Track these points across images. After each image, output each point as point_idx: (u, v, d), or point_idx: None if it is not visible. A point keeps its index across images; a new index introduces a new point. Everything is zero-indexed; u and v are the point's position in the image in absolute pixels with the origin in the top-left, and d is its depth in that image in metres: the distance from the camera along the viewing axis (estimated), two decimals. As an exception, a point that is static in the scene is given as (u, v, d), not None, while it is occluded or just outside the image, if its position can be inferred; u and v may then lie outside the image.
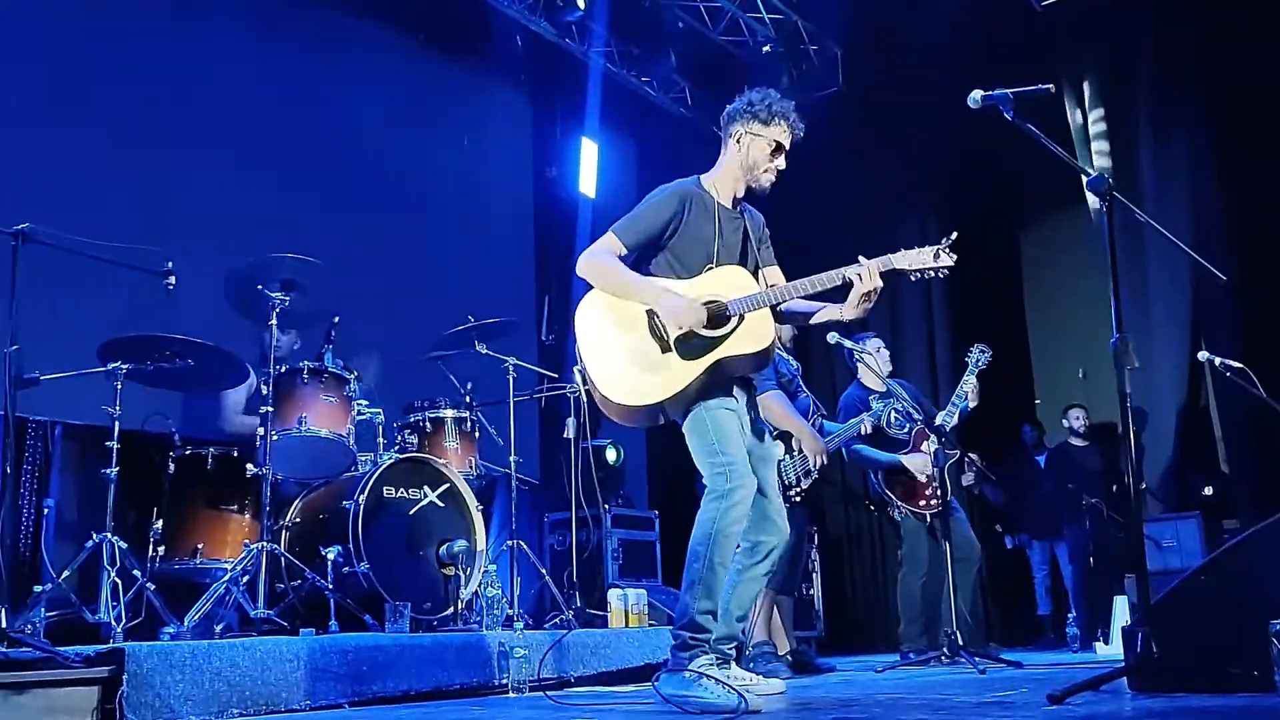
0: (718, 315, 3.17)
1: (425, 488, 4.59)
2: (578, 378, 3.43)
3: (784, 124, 3.37)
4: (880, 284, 3.16)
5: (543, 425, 7.49)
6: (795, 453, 4.99)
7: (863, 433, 5.34)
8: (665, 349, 3.16)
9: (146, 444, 4.45)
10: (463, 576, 4.47)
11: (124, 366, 3.97)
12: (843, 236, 8.22)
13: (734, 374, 3.24)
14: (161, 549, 4.21)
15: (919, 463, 5.40)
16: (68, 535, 4.54)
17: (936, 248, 3.16)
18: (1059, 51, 7.81)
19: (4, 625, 3.06)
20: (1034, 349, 8.55)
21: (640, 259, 3.32)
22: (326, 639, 3.52)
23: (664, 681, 3.05)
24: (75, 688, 2.83)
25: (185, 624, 3.74)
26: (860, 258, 3.16)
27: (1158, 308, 7.22)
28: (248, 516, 4.40)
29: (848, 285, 3.18)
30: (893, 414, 5.47)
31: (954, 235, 3.16)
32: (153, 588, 3.87)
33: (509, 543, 5.08)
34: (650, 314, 3.19)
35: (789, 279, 3.31)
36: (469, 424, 5.12)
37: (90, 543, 3.83)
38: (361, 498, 4.30)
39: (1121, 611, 5.68)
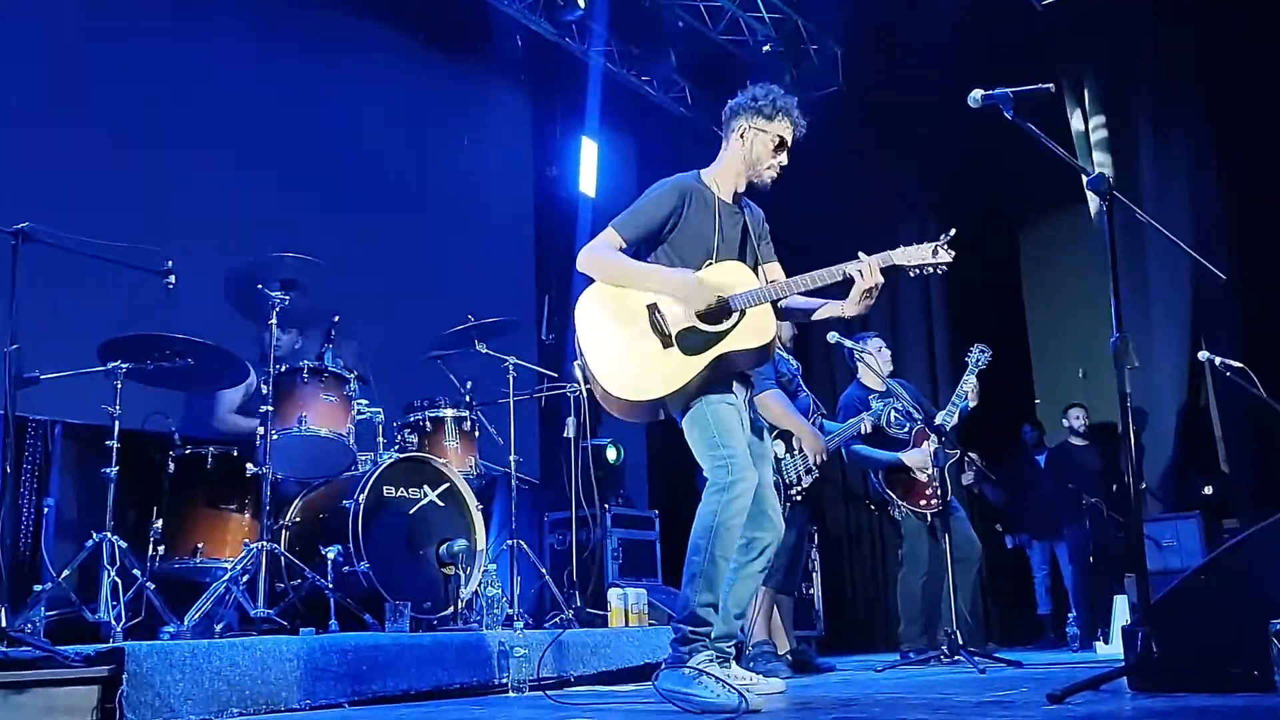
0: (719, 310, 3.16)
1: (425, 487, 4.59)
2: (577, 372, 3.42)
3: (787, 120, 3.36)
4: (881, 280, 3.16)
5: (543, 425, 7.49)
6: (795, 451, 5.00)
7: (863, 432, 5.34)
8: (666, 344, 3.15)
9: (146, 443, 4.46)
10: (463, 576, 4.47)
11: (124, 366, 3.96)
12: (843, 235, 8.21)
13: (735, 369, 3.24)
14: (161, 548, 4.21)
15: (918, 459, 5.40)
16: (68, 534, 4.54)
17: (935, 244, 3.17)
18: (1059, 51, 7.82)
19: (4, 624, 3.06)
20: (1034, 349, 8.56)
21: (639, 254, 3.31)
22: (326, 638, 3.52)
23: (664, 677, 3.04)
24: (75, 687, 2.83)
25: (185, 623, 3.74)
26: (860, 254, 3.16)
27: (1158, 307, 7.22)
28: (248, 516, 4.40)
29: (848, 282, 3.18)
30: (893, 413, 5.47)
31: (952, 232, 3.16)
32: (153, 587, 3.87)
33: (509, 542, 5.09)
34: (651, 308, 3.18)
35: (789, 277, 3.30)
36: (469, 423, 5.12)
37: (90, 542, 3.83)
38: (361, 497, 4.30)
39: (1121, 611, 5.68)
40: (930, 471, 5.37)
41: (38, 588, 3.73)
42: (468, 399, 5.19)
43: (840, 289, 3.23)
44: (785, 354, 5.14)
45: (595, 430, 6.98)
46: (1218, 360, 4.81)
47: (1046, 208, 8.38)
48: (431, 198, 7.38)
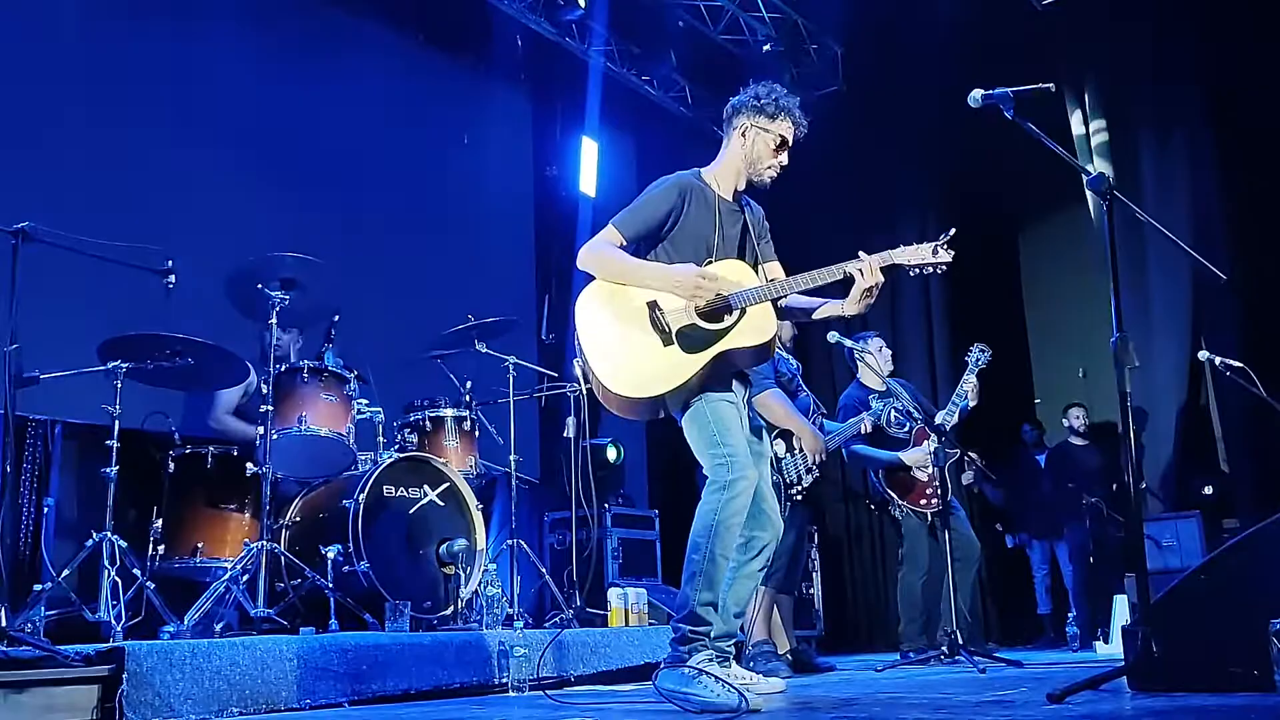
0: (719, 308, 3.16)
1: (425, 487, 4.59)
2: (577, 370, 3.42)
3: (790, 120, 3.36)
4: (881, 279, 3.16)
5: (542, 424, 7.49)
6: (795, 451, 5.00)
7: (863, 432, 5.34)
8: (667, 341, 3.14)
9: (146, 443, 4.46)
10: (463, 575, 4.47)
11: (124, 365, 3.96)
12: (843, 235, 8.24)
13: (735, 367, 3.23)
14: (161, 548, 4.21)
15: (918, 457, 5.40)
16: (68, 534, 4.54)
17: (935, 244, 3.17)
18: (1059, 51, 7.81)
19: (4, 624, 3.06)
20: (1034, 349, 8.56)
21: (639, 252, 3.31)
22: (326, 638, 3.53)
23: (663, 677, 3.04)
24: (75, 686, 2.83)
25: (185, 623, 3.74)
26: (860, 253, 3.16)
27: (1158, 307, 7.22)
28: (247, 515, 4.40)
29: (848, 281, 3.18)
30: (893, 413, 5.48)
31: (952, 231, 3.16)
32: (152, 586, 3.86)
33: (509, 542, 5.09)
34: (651, 306, 3.18)
35: (788, 275, 3.30)
36: (469, 423, 5.12)
37: (90, 541, 3.83)
38: (361, 497, 4.30)
39: (1121, 611, 5.68)
40: (930, 471, 5.38)
41: (38, 587, 3.72)
42: (468, 398, 5.19)
43: (840, 288, 3.23)
44: (785, 353, 5.14)
45: (595, 430, 6.99)
46: (1218, 360, 4.82)
47: (1046, 208, 8.38)
48: (431, 197, 7.38)
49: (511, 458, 5.19)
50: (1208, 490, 6.95)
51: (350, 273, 5.46)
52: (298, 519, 4.57)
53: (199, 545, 4.29)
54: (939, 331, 8.41)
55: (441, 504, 4.61)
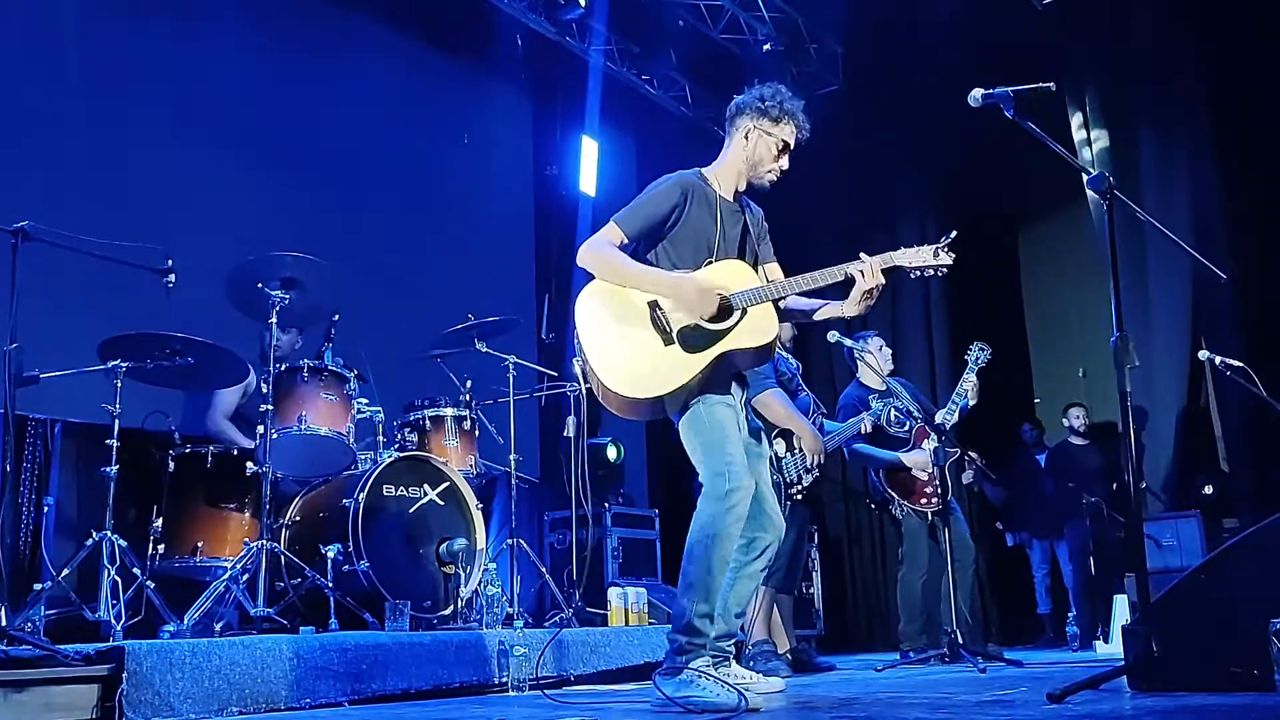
0: (719, 309, 3.15)
1: (425, 486, 4.59)
2: (577, 370, 3.40)
3: (793, 124, 3.34)
4: (882, 281, 3.15)
5: (542, 424, 7.50)
6: (796, 451, 5.00)
7: (863, 432, 5.34)
8: (668, 341, 3.12)
9: (146, 442, 4.46)
10: (463, 575, 4.47)
11: (124, 364, 3.95)
12: (842, 235, 8.25)
13: (736, 368, 3.22)
14: (161, 547, 4.21)
15: (919, 459, 5.40)
16: (68, 533, 4.54)
17: (936, 246, 3.16)
18: (1059, 51, 7.81)
19: (4, 623, 3.07)
20: (1034, 349, 8.56)
21: (639, 250, 3.28)
22: (326, 637, 3.53)
23: (662, 683, 3.03)
24: (75, 686, 2.83)
25: (185, 622, 3.74)
26: (862, 254, 3.16)
27: (1158, 307, 7.22)
28: (247, 515, 4.40)
29: (849, 282, 3.17)
30: (893, 412, 5.48)
31: (953, 234, 3.16)
32: (152, 586, 3.86)
33: (509, 541, 5.09)
34: (652, 305, 3.16)
35: (787, 276, 3.30)
36: (469, 422, 5.13)
37: (90, 541, 3.82)
38: (361, 496, 4.30)
39: (1121, 610, 5.69)
40: (930, 471, 5.38)
41: (38, 586, 3.72)
42: (468, 398, 5.19)
43: (840, 289, 3.23)
44: (785, 353, 5.14)
45: (596, 429, 6.99)
46: (1218, 360, 4.82)
47: (1046, 208, 8.38)
48: (432, 196, 7.38)
49: (511, 457, 5.19)
50: (1208, 490, 6.95)
51: (350, 273, 5.46)
52: (298, 518, 4.57)
53: (199, 544, 4.29)
54: (939, 331, 8.41)
55: (441, 503, 4.61)
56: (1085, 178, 3.06)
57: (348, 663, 3.39)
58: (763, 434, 3.44)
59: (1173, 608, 2.78)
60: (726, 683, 2.94)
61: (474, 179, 7.77)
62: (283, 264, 4.27)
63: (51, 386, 3.80)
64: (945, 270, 3.16)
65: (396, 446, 4.87)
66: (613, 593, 4.97)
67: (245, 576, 3.95)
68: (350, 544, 4.21)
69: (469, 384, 5.22)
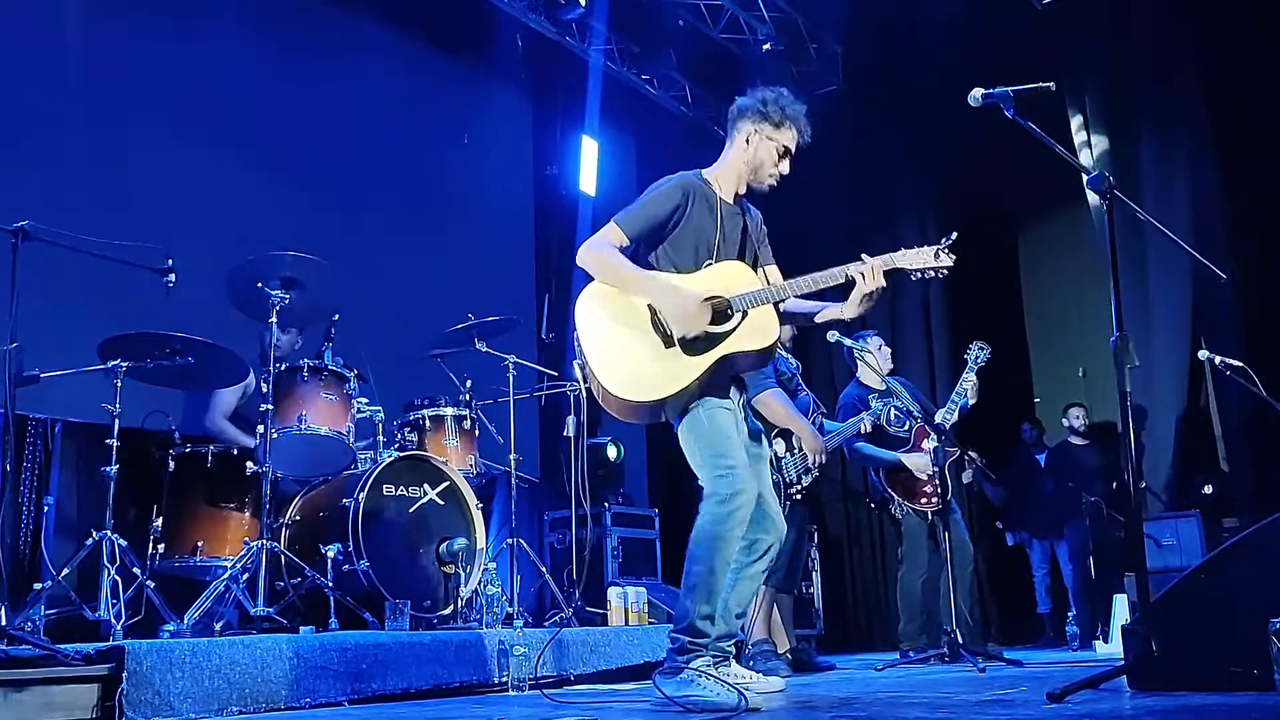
0: (719, 312, 3.14)
1: (425, 485, 4.59)
2: (577, 371, 3.39)
3: (794, 129, 3.33)
4: (883, 283, 3.14)
5: (542, 423, 7.50)
6: (795, 450, 5.00)
7: (862, 431, 5.34)
8: (669, 343, 3.11)
9: (146, 441, 4.46)
10: (462, 574, 4.47)
11: (124, 364, 3.95)
12: (842, 234, 8.25)
13: (737, 370, 3.21)
14: (161, 546, 4.21)
15: (919, 462, 5.40)
16: (68, 533, 4.54)
17: (937, 247, 3.16)
18: (1059, 51, 7.81)
19: (4, 623, 3.07)
20: (1034, 349, 8.56)
21: (639, 252, 3.27)
22: (326, 637, 3.53)
23: (662, 682, 3.03)
24: (75, 685, 2.83)
25: (185, 622, 3.74)
26: (864, 256, 3.15)
27: (1158, 307, 7.22)
28: (247, 514, 4.40)
29: (849, 283, 3.17)
30: (892, 412, 5.48)
31: (954, 235, 3.16)
32: (152, 585, 3.87)
33: (509, 541, 5.09)
34: (652, 307, 3.15)
35: (787, 277, 3.29)
36: (469, 422, 5.13)
37: (90, 540, 3.83)
38: (361, 495, 4.30)
39: (1121, 610, 5.69)
40: (930, 471, 5.37)
41: (38, 586, 3.73)
42: (468, 397, 5.19)
43: (840, 291, 3.22)
44: (785, 353, 5.14)
45: (595, 429, 6.99)
46: (1218, 360, 4.82)
47: (1046, 207, 8.38)
48: (432, 196, 7.38)
49: (511, 456, 5.19)
50: (1208, 490, 6.95)
51: (350, 272, 5.45)
52: (298, 518, 4.57)
53: (199, 544, 4.29)
54: (938, 331, 8.41)
55: (441, 503, 4.61)
56: (1085, 178, 3.06)
57: (348, 662, 3.39)
58: (763, 436, 3.44)
59: (1173, 607, 2.78)
60: (727, 682, 2.94)
61: (474, 179, 7.77)
62: (283, 264, 4.26)
63: (51, 386, 3.80)
64: (946, 272, 3.16)
65: (396, 446, 4.87)
66: (613, 592, 4.97)
67: (245, 576, 3.95)
68: (350, 543, 4.22)
69: (469, 384, 5.22)
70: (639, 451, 8.18)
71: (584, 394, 5.16)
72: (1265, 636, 2.50)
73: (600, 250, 3.20)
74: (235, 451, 4.41)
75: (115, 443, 3.91)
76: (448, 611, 4.41)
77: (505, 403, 5.29)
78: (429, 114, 7.53)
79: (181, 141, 5.88)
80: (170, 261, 3.84)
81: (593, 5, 7.84)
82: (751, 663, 4.59)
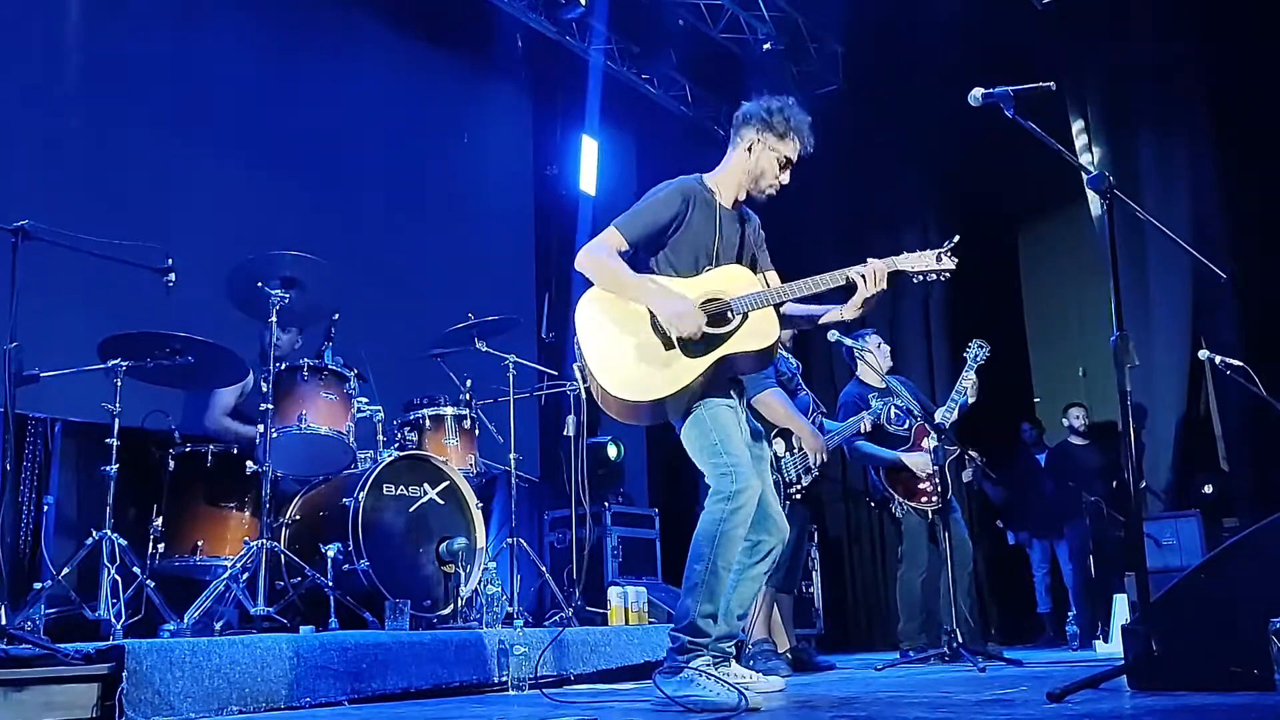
0: (719, 314, 3.15)
1: (425, 485, 4.59)
2: (577, 373, 3.39)
3: (798, 140, 3.33)
4: (886, 286, 3.15)
5: (542, 423, 7.50)
6: (796, 450, 5.00)
7: (862, 430, 5.34)
8: (669, 345, 3.11)
9: (146, 441, 4.45)
10: (462, 574, 4.47)
11: (124, 363, 3.95)
12: (842, 234, 8.25)
13: (737, 372, 3.22)
14: (161, 546, 4.21)
15: (920, 461, 5.40)
16: (67, 532, 4.54)
17: (939, 251, 3.16)
18: (1059, 51, 7.81)
19: (4, 622, 3.07)
20: (1034, 348, 8.57)
21: (638, 256, 3.28)
22: (326, 636, 3.53)
23: (662, 681, 3.03)
24: (75, 685, 2.83)
25: (185, 621, 3.74)
26: (869, 259, 3.15)
27: (1158, 307, 7.23)
28: (247, 514, 4.40)
29: (849, 286, 3.17)
30: (892, 411, 5.48)
31: (956, 239, 3.16)
32: (152, 585, 3.87)
33: (509, 540, 5.09)
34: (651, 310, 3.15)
35: (786, 279, 3.29)
36: (469, 421, 5.12)
37: (90, 540, 3.83)
38: (361, 495, 4.30)
39: (1121, 609, 5.69)
40: (930, 470, 5.37)
41: (38, 585, 3.72)
42: (468, 397, 5.19)
43: (840, 294, 3.22)
44: (785, 353, 5.14)
45: (595, 428, 6.99)
46: (1218, 359, 4.82)
47: (1046, 207, 8.39)
48: (432, 196, 7.39)
49: (511, 456, 5.19)
50: (1208, 489, 6.95)
51: (350, 272, 5.46)
52: (298, 517, 4.57)
53: (199, 543, 4.29)
54: (938, 330, 8.42)
55: (441, 502, 4.61)
56: (1085, 177, 3.06)
57: (348, 662, 3.39)
58: (763, 436, 3.44)
59: (1173, 607, 2.78)
60: (727, 682, 2.94)
61: (474, 178, 7.77)
62: (283, 263, 4.26)
63: (51, 385, 3.80)
64: (948, 275, 3.16)
65: (396, 445, 4.87)
66: (613, 592, 4.97)
67: (245, 575, 3.95)
68: (350, 543, 4.21)
69: (469, 383, 5.22)
70: (639, 451, 8.18)
71: (584, 393, 5.16)
72: (1265, 636, 2.50)
73: (598, 255, 3.20)
74: (235, 451, 4.41)
75: (115, 442, 3.91)
76: (448, 611, 4.41)
77: (505, 402, 5.29)
78: (429, 113, 7.53)
79: (181, 141, 5.89)
80: (170, 261, 3.84)
81: (593, 5, 7.85)
82: (751, 662, 4.59)
